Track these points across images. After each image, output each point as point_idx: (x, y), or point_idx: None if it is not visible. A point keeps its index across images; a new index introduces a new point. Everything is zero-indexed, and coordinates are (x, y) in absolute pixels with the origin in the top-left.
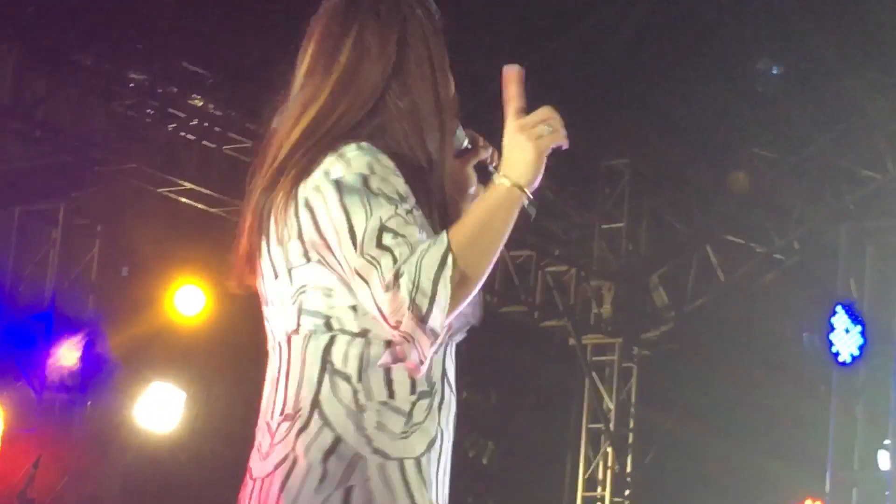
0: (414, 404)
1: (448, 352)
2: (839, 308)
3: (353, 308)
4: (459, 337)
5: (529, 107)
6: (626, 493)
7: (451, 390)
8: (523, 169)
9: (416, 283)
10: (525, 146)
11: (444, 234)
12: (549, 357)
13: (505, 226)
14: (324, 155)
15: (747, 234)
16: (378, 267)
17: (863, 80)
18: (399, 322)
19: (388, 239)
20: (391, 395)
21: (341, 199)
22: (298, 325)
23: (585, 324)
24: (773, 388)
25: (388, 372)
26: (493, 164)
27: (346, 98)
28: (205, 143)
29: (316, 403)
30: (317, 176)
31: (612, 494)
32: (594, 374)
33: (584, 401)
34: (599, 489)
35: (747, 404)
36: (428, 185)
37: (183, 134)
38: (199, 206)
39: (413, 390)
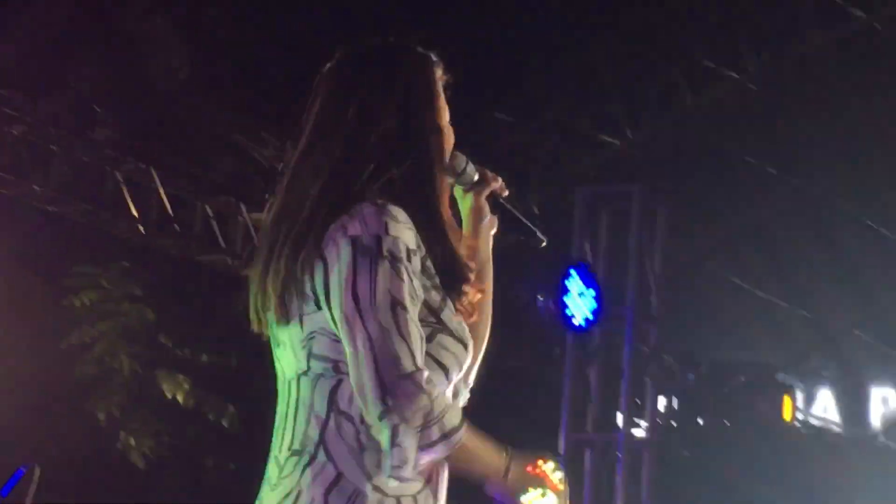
0: None
1: (452, 393)
2: (573, 272)
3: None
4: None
5: None
6: None
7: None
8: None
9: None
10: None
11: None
12: None
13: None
14: (344, 212)
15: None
16: (391, 348)
17: (602, 46)
18: (389, 406)
19: (400, 318)
20: None
21: (354, 258)
22: (308, 367)
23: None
24: (508, 351)
25: None
26: (502, 195)
27: (356, 158)
28: None
29: (322, 441)
30: (335, 233)
31: None
32: None
33: None
34: None
35: (481, 366)
36: (434, 232)
37: None
38: None
39: None
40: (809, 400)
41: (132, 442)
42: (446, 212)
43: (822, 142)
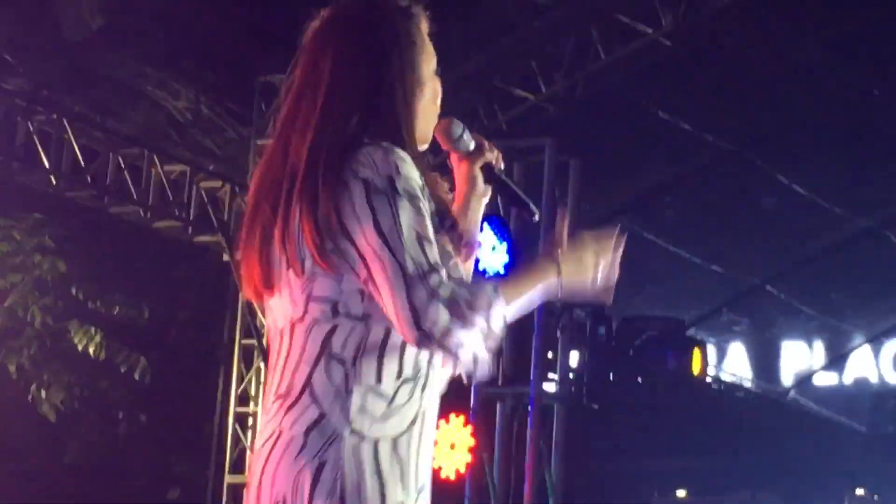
0: (397, 389)
1: None
2: (485, 225)
3: (360, 292)
4: None
5: None
6: None
7: (435, 370)
8: (576, 277)
9: (465, 316)
10: (589, 265)
11: (499, 291)
12: (203, 272)
13: (534, 305)
14: (347, 157)
15: None
16: (426, 274)
17: (516, 1)
18: (425, 330)
19: (429, 249)
20: (379, 380)
21: (368, 198)
22: (305, 312)
23: (239, 239)
24: None
25: (380, 358)
26: (498, 167)
27: (339, 111)
28: None
29: (308, 384)
30: (347, 177)
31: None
32: None
33: (237, 316)
34: (252, 404)
35: None
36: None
37: None
38: None
39: (399, 375)
40: (721, 355)
41: (43, 394)
42: (417, 157)
43: (736, 98)
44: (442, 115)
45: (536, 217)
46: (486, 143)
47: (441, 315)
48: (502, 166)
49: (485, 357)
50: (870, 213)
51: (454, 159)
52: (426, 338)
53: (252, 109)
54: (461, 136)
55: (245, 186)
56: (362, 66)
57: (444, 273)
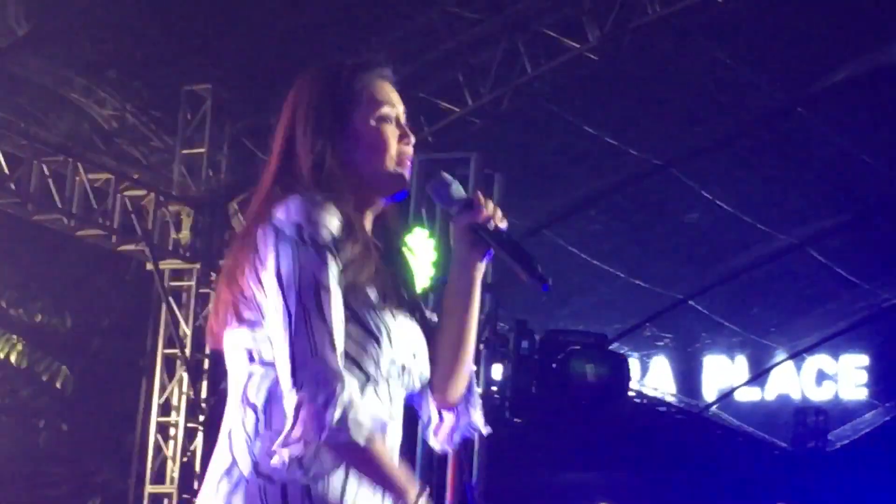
0: None
1: (371, 388)
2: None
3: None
4: (398, 384)
5: None
6: (201, 418)
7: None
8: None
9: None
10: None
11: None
12: (127, 281)
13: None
14: (271, 209)
15: None
16: (312, 332)
17: (443, 12)
18: (297, 385)
19: (324, 300)
20: None
21: (276, 244)
22: (233, 361)
23: (164, 249)
24: None
25: None
26: (495, 225)
27: (291, 164)
28: None
29: (228, 432)
30: (264, 224)
31: (186, 420)
32: (171, 299)
33: (160, 326)
34: (174, 414)
35: None
36: (358, 231)
37: None
38: None
39: None
40: (644, 369)
41: None
42: (354, 210)
43: (661, 113)
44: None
45: (549, 283)
46: (481, 199)
47: (314, 373)
48: (503, 225)
49: (303, 441)
50: (792, 230)
51: (453, 222)
52: (297, 394)
53: (177, 118)
54: (449, 190)
55: (170, 195)
56: (301, 126)
57: (332, 336)
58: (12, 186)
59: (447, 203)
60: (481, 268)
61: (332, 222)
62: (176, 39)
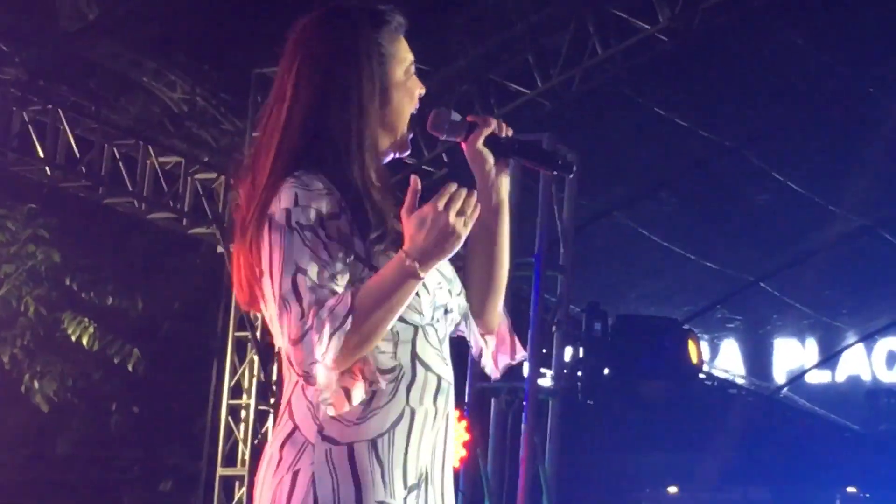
0: (374, 393)
1: (422, 335)
2: None
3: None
4: (444, 325)
5: None
6: (272, 401)
7: (428, 369)
8: (419, 240)
9: (318, 342)
10: (427, 222)
11: (349, 296)
12: (197, 264)
13: (402, 297)
14: (274, 190)
15: None
16: (288, 317)
17: None
18: (304, 373)
19: (300, 284)
20: None
21: (269, 234)
22: (276, 331)
23: (233, 232)
24: None
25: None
26: (505, 134)
27: (289, 138)
28: None
29: (288, 402)
30: (265, 213)
31: (257, 402)
32: None
33: (231, 309)
34: (245, 397)
35: None
36: (352, 194)
37: None
38: None
39: None
40: (714, 352)
41: (36, 385)
42: (366, 173)
43: (732, 94)
44: (433, 109)
45: (574, 169)
46: (480, 118)
47: (305, 355)
48: (510, 133)
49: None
50: (865, 211)
51: (464, 148)
52: (298, 371)
53: (248, 101)
54: (448, 121)
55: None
56: (319, 79)
57: (311, 304)
58: (83, 170)
59: (452, 132)
60: (505, 183)
61: (322, 201)
62: (246, 22)
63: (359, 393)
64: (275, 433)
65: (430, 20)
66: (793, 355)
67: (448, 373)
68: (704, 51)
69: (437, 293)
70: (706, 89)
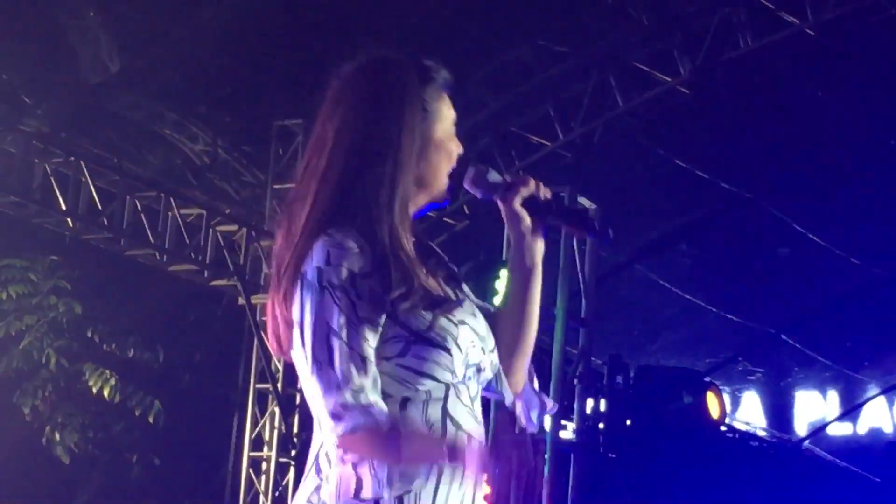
0: None
1: (454, 394)
2: (502, 273)
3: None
4: (476, 383)
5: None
6: (293, 453)
7: (459, 427)
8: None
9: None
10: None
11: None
12: (219, 316)
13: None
14: (308, 247)
15: None
16: (320, 381)
17: (534, 46)
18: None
19: (333, 347)
20: None
21: (301, 292)
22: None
23: (255, 284)
24: None
25: None
26: (544, 196)
27: (327, 184)
28: None
29: (316, 455)
30: (297, 270)
31: (278, 454)
32: (263, 334)
33: (252, 361)
34: (266, 449)
35: None
36: (381, 252)
37: None
38: None
39: None
40: (735, 404)
41: (57, 436)
42: (395, 230)
43: (752, 146)
44: (470, 165)
45: (610, 236)
46: (519, 176)
47: (337, 424)
48: (548, 195)
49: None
50: (885, 262)
51: (501, 206)
52: (334, 435)
53: (269, 154)
54: (486, 178)
55: (262, 231)
56: (360, 128)
57: (346, 375)
58: (105, 221)
59: (489, 191)
60: (540, 246)
61: (354, 259)
62: (267, 75)
63: (367, 490)
64: (303, 482)
65: (451, 72)
66: (814, 407)
67: (479, 431)
68: (725, 102)
69: (470, 352)
70: (727, 141)
